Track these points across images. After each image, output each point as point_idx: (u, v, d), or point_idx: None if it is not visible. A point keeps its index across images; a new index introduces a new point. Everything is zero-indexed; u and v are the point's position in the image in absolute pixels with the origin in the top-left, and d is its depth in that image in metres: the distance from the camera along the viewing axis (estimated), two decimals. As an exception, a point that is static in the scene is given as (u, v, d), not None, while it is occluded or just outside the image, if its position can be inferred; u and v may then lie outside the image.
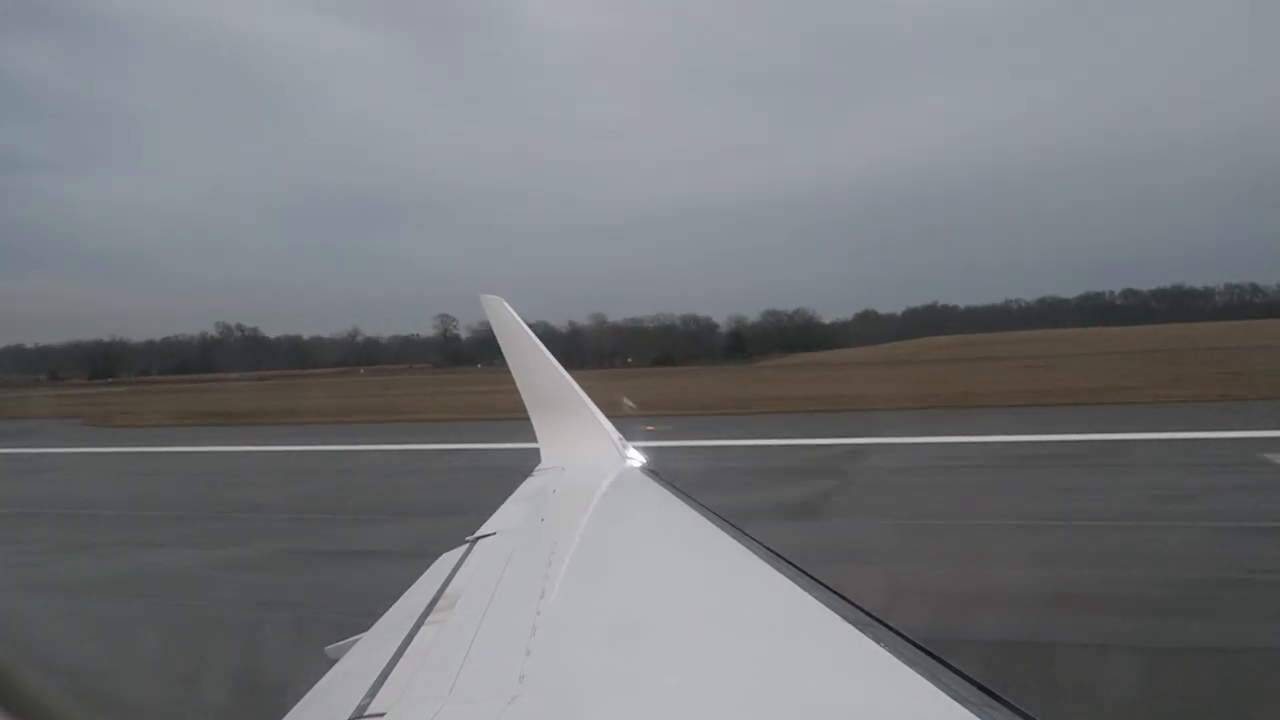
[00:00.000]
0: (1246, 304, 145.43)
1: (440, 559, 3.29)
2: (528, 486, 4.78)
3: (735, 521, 3.32)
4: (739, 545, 2.88)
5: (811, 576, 2.46)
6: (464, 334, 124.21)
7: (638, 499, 4.24)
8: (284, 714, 1.99)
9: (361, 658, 2.31)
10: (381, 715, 1.73)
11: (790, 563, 2.62)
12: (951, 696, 1.53)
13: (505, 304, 6.04)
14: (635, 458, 5.09)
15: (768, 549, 2.79)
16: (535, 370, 5.82)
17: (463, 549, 3.33)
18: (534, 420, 5.74)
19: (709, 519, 3.37)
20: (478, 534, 3.54)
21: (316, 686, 2.19)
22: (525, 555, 3.09)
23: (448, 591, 2.70)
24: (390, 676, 1.95)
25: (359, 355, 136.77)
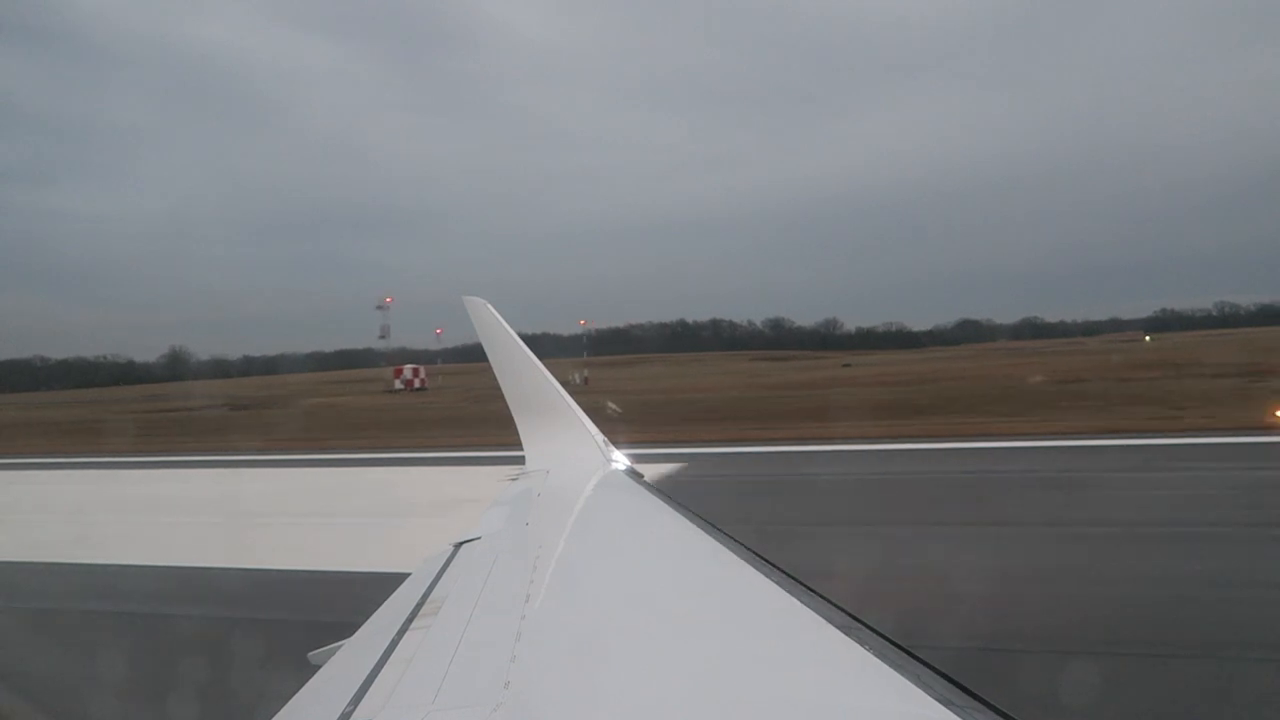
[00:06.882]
0: (831, 335, 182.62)
1: (424, 564, 3.26)
2: (512, 490, 4.75)
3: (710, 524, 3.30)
4: (723, 548, 2.88)
5: (795, 579, 2.47)
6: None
7: (622, 502, 4.24)
8: None
9: (345, 664, 2.29)
10: None
11: (774, 565, 2.62)
12: (936, 699, 1.54)
13: (489, 306, 6.01)
14: (619, 461, 5.08)
15: (752, 552, 2.80)
16: (519, 373, 5.80)
17: (446, 554, 3.31)
18: (518, 423, 5.72)
19: (693, 522, 3.36)
20: (461, 539, 3.51)
21: (299, 693, 2.16)
22: (510, 560, 3.08)
23: (432, 597, 2.68)
24: (374, 683, 1.93)
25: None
